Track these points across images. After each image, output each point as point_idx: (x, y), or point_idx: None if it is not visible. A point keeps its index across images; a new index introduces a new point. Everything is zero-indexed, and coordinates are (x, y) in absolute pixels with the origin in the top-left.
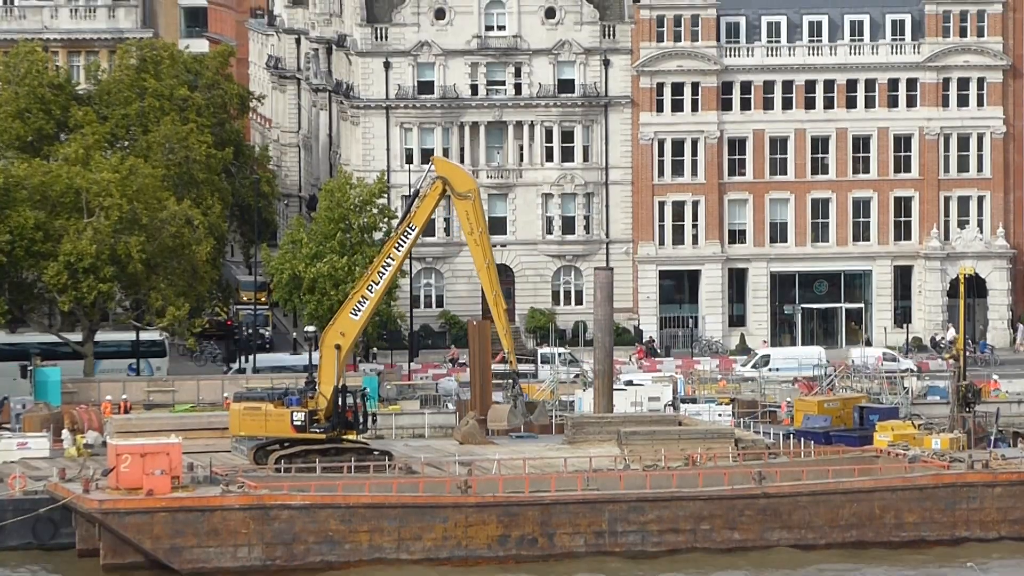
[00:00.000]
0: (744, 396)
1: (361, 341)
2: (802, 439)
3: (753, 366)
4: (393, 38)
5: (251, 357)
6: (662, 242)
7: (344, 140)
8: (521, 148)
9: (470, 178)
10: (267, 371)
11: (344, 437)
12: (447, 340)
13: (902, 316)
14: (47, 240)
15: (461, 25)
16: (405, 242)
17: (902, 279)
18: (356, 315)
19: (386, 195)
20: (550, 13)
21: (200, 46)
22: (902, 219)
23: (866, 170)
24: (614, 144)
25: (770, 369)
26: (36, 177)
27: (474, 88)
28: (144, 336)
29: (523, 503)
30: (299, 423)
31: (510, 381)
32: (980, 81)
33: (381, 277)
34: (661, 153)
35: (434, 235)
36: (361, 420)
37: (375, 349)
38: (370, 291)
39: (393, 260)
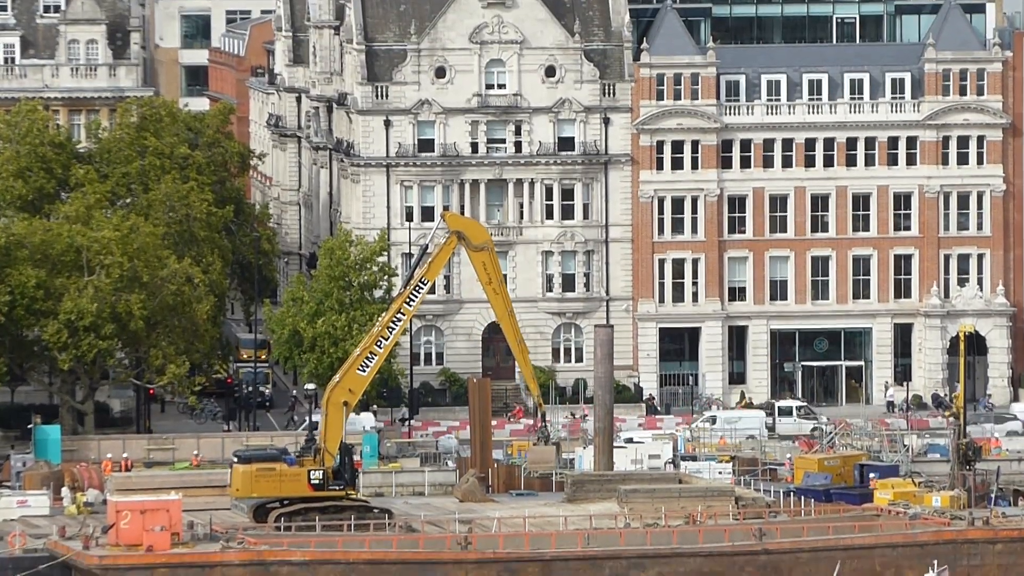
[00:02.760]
0: (744, 454)
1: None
2: (802, 497)
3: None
4: (393, 96)
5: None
6: (662, 299)
7: (344, 198)
8: (521, 206)
9: (484, 230)
10: None
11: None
12: (447, 398)
13: (902, 374)
14: (48, 298)
15: (461, 83)
16: (416, 297)
17: (902, 337)
18: (363, 371)
19: (386, 253)
20: (550, 72)
21: (201, 104)
22: (902, 277)
23: (866, 228)
24: (614, 202)
25: None
26: (37, 236)
27: (474, 146)
28: None
29: (523, 559)
30: (317, 482)
31: (541, 425)
32: (980, 139)
33: (391, 332)
34: (661, 211)
35: (434, 292)
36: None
37: (375, 407)
38: (379, 346)
39: (403, 315)
